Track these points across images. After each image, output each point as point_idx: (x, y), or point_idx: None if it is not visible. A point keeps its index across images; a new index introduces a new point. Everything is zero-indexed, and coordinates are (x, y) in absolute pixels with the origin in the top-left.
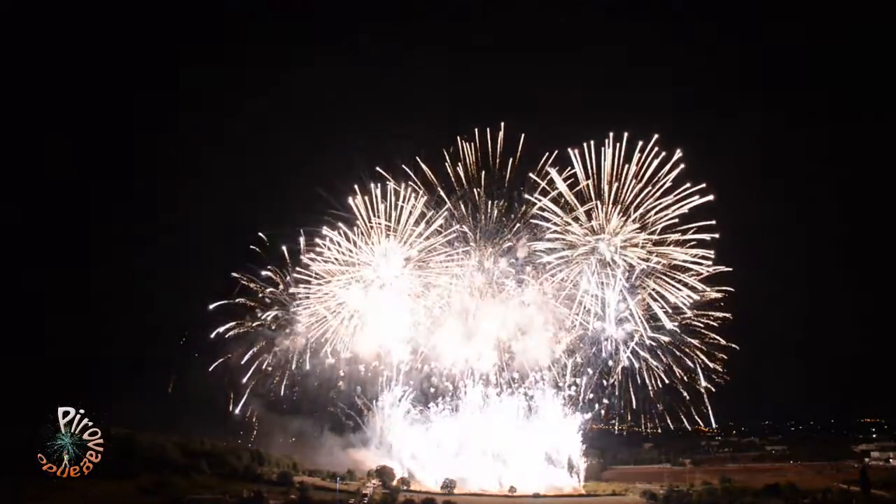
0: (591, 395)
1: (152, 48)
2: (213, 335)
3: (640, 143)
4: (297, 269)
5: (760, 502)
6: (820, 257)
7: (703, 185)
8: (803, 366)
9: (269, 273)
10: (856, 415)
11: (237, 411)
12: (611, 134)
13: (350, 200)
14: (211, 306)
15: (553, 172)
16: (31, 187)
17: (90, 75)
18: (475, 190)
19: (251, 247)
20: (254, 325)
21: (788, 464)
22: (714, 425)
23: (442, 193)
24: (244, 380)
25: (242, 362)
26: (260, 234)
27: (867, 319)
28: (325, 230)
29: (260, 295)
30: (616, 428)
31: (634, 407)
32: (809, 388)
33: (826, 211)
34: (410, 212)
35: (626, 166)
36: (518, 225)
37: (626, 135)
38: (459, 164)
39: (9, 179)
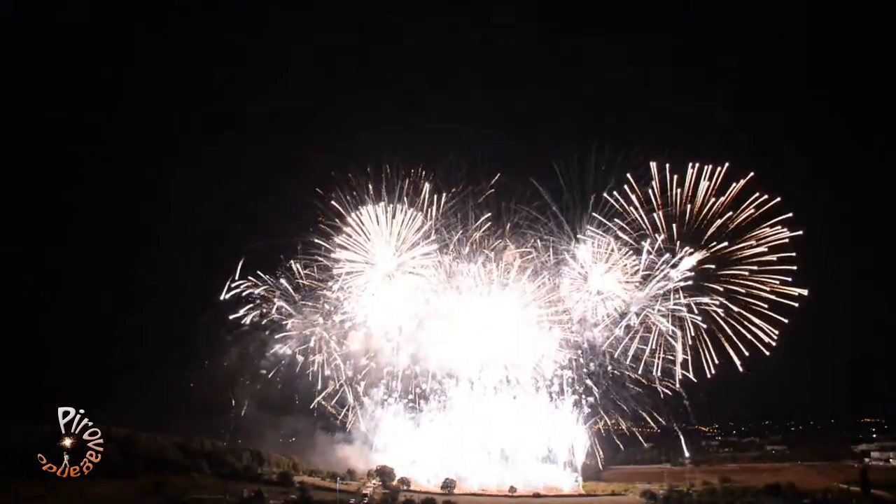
0: (577, 397)
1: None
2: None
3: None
4: (292, 272)
5: (760, 502)
6: (819, 256)
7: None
8: (804, 365)
9: (267, 277)
10: (856, 415)
11: (234, 412)
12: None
13: (341, 206)
14: (207, 315)
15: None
16: (31, 187)
17: (94, 72)
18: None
19: (250, 250)
20: (250, 325)
21: (788, 464)
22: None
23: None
24: (241, 381)
25: (239, 363)
26: (258, 239)
27: (867, 319)
28: (318, 236)
29: (257, 300)
30: (615, 427)
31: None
32: (809, 388)
33: (826, 210)
34: (403, 217)
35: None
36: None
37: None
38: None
39: (9, 178)
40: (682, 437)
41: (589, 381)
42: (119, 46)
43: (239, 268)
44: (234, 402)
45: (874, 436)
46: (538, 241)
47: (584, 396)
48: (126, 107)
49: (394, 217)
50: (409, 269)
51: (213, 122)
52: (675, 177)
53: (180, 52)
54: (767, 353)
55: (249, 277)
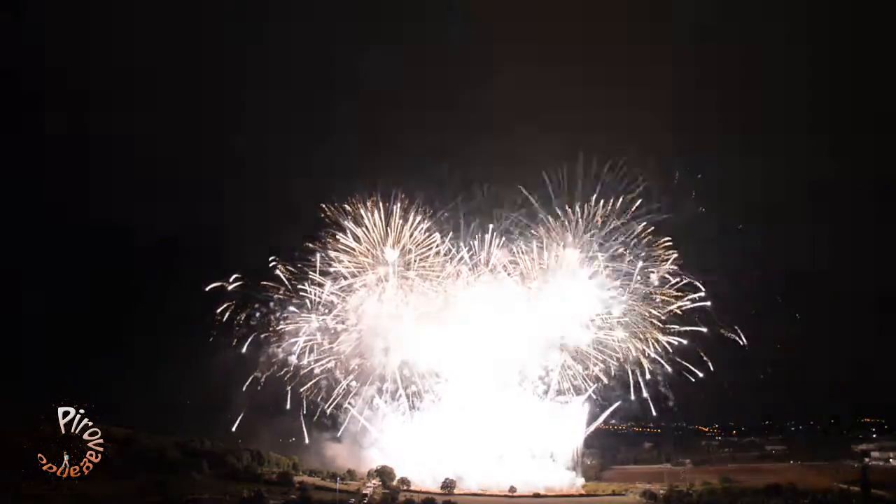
0: (564, 396)
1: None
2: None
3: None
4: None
5: (761, 502)
6: (817, 256)
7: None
8: (804, 365)
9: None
10: (856, 415)
11: (232, 412)
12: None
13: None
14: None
15: None
16: (31, 189)
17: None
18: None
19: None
20: (247, 327)
21: (788, 464)
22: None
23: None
24: (238, 382)
25: (236, 364)
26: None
27: (867, 317)
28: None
29: (256, 303)
30: (614, 427)
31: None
32: (809, 388)
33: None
34: (398, 222)
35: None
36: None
37: None
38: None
39: (10, 180)
40: (665, 437)
41: (576, 382)
42: (120, 44)
43: (237, 270)
44: (232, 402)
45: (874, 436)
46: (527, 244)
47: (572, 396)
48: (128, 107)
49: (388, 222)
50: (402, 272)
51: (213, 122)
52: None
53: (181, 51)
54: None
55: (247, 280)
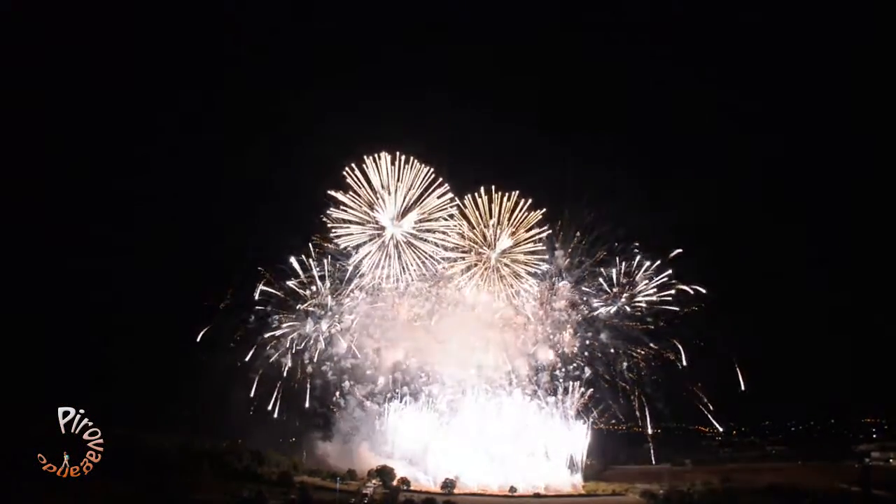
0: (555, 398)
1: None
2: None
3: None
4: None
5: (761, 502)
6: (816, 255)
7: None
8: (804, 364)
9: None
10: (856, 415)
11: (233, 413)
12: None
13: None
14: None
15: None
16: (31, 187)
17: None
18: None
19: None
20: (246, 328)
21: (789, 464)
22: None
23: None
24: (238, 382)
25: (236, 365)
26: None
27: (868, 318)
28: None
29: (255, 305)
30: (615, 427)
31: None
32: (810, 388)
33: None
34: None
35: None
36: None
37: None
38: None
39: (10, 180)
40: (650, 438)
41: (566, 382)
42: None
43: (235, 271)
44: (232, 403)
45: (874, 436)
46: None
47: (571, 395)
48: (128, 108)
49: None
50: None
51: (214, 122)
52: None
53: (178, 50)
54: None
55: (245, 281)
